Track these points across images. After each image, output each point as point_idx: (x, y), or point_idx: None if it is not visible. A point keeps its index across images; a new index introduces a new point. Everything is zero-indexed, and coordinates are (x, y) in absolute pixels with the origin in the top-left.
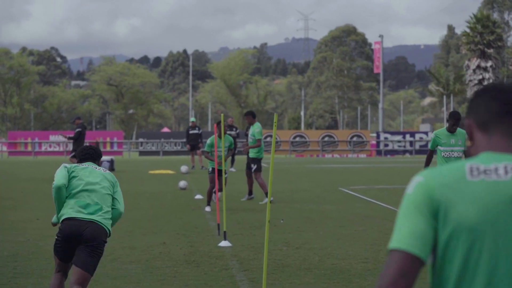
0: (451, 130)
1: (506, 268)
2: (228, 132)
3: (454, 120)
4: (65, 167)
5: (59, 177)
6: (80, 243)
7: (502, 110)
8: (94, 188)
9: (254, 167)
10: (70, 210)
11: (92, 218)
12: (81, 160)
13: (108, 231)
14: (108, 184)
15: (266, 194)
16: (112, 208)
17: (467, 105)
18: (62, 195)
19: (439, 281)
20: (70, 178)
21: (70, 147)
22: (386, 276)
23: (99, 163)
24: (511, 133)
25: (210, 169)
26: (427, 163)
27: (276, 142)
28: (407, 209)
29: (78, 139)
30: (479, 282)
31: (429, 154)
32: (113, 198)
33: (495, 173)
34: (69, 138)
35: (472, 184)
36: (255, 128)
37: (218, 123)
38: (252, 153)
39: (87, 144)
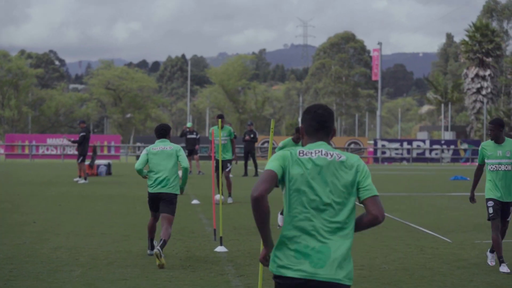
0: (497, 140)
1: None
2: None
3: (496, 127)
4: (146, 154)
5: (139, 163)
6: (160, 201)
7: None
8: (163, 168)
9: (230, 167)
10: (150, 188)
11: (163, 191)
12: (158, 136)
13: (176, 193)
14: (173, 159)
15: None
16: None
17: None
18: (142, 173)
19: None
20: (148, 160)
21: (68, 150)
22: None
23: (169, 137)
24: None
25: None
26: (476, 179)
27: (273, 148)
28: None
29: (82, 143)
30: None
31: (477, 169)
32: (178, 161)
33: (312, 154)
34: (73, 141)
35: (302, 159)
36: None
37: (219, 116)
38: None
39: (162, 123)
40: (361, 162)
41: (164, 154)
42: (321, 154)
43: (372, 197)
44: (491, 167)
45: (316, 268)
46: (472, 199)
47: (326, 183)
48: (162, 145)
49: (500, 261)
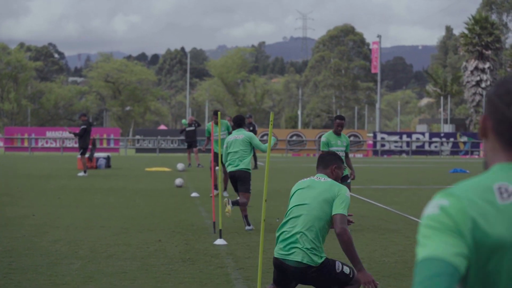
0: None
1: None
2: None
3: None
4: (225, 144)
5: (223, 151)
6: (237, 181)
7: None
8: (237, 150)
9: None
10: (228, 167)
11: (237, 168)
12: (236, 126)
13: (248, 170)
14: (244, 144)
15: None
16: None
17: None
18: (225, 158)
19: None
20: (227, 147)
21: (67, 143)
22: None
23: (244, 127)
24: None
25: None
26: None
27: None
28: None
29: (83, 136)
30: None
31: None
32: (251, 144)
33: None
34: (75, 134)
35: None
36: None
37: (215, 112)
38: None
39: (240, 114)
40: None
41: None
42: None
43: None
44: None
45: None
46: None
47: None
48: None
49: None
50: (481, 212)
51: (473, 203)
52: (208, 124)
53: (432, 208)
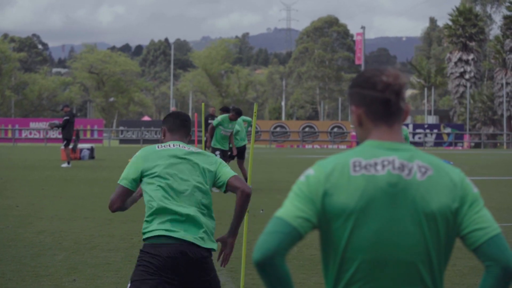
0: None
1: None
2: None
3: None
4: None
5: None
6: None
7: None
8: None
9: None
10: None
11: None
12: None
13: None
14: None
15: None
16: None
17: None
18: None
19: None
20: None
21: (51, 134)
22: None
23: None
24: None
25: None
26: None
27: (256, 132)
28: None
29: (65, 127)
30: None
31: None
32: None
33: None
34: (58, 126)
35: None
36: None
37: (227, 109)
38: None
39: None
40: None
41: None
42: None
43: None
44: None
45: None
46: None
47: None
48: None
49: None
50: (334, 183)
51: (330, 175)
52: (223, 116)
53: (303, 175)
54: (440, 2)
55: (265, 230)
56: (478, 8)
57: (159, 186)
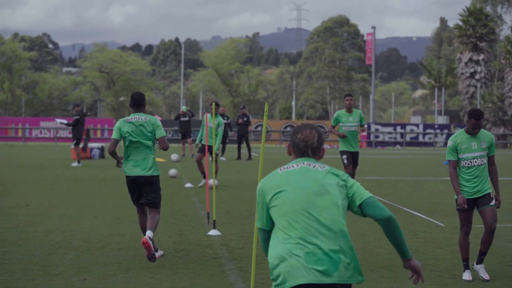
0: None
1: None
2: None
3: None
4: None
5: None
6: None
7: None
8: None
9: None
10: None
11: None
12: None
13: None
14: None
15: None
16: None
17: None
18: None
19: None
20: None
21: (61, 134)
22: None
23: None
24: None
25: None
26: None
27: (267, 131)
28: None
29: (76, 125)
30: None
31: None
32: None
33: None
34: (67, 124)
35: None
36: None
37: (211, 104)
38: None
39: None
40: None
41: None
42: None
43: None
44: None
45: None
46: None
47: None
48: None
49: (464, 265)
50: (268, 185)
51: (266, 182)
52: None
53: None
54: (450, 3)
55: (260, 240)
56: (488, 9)
57: None
